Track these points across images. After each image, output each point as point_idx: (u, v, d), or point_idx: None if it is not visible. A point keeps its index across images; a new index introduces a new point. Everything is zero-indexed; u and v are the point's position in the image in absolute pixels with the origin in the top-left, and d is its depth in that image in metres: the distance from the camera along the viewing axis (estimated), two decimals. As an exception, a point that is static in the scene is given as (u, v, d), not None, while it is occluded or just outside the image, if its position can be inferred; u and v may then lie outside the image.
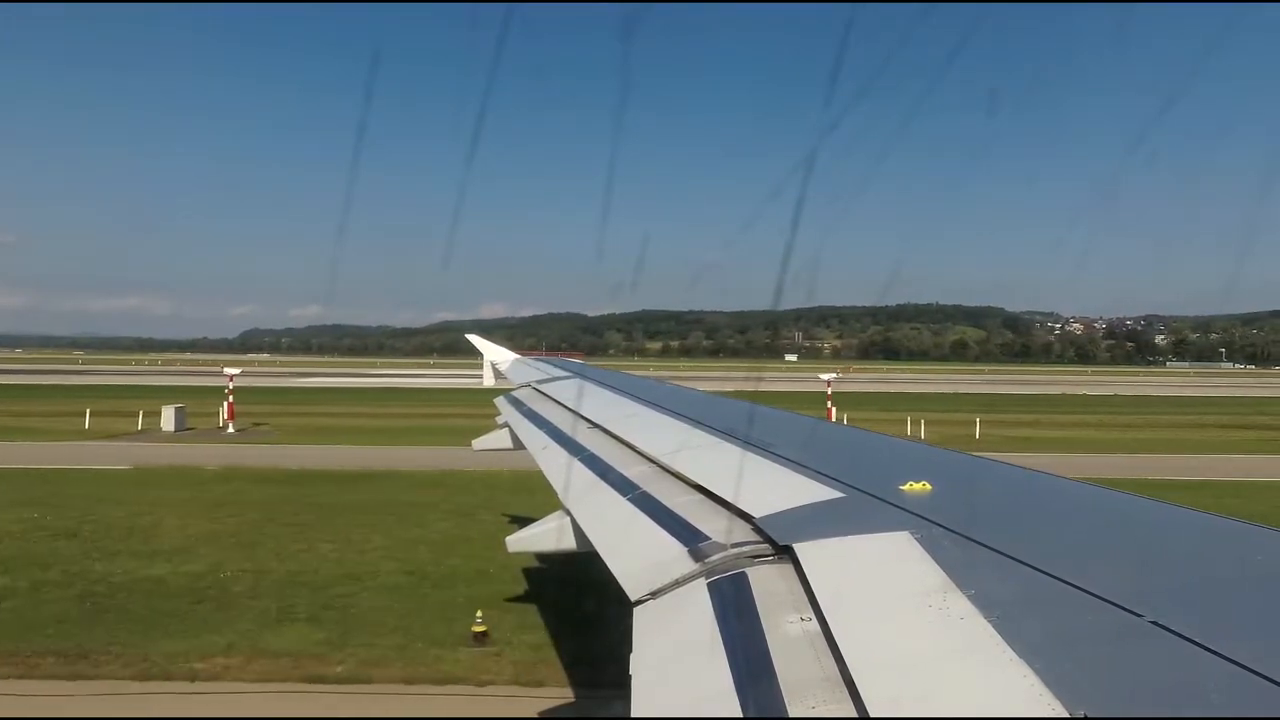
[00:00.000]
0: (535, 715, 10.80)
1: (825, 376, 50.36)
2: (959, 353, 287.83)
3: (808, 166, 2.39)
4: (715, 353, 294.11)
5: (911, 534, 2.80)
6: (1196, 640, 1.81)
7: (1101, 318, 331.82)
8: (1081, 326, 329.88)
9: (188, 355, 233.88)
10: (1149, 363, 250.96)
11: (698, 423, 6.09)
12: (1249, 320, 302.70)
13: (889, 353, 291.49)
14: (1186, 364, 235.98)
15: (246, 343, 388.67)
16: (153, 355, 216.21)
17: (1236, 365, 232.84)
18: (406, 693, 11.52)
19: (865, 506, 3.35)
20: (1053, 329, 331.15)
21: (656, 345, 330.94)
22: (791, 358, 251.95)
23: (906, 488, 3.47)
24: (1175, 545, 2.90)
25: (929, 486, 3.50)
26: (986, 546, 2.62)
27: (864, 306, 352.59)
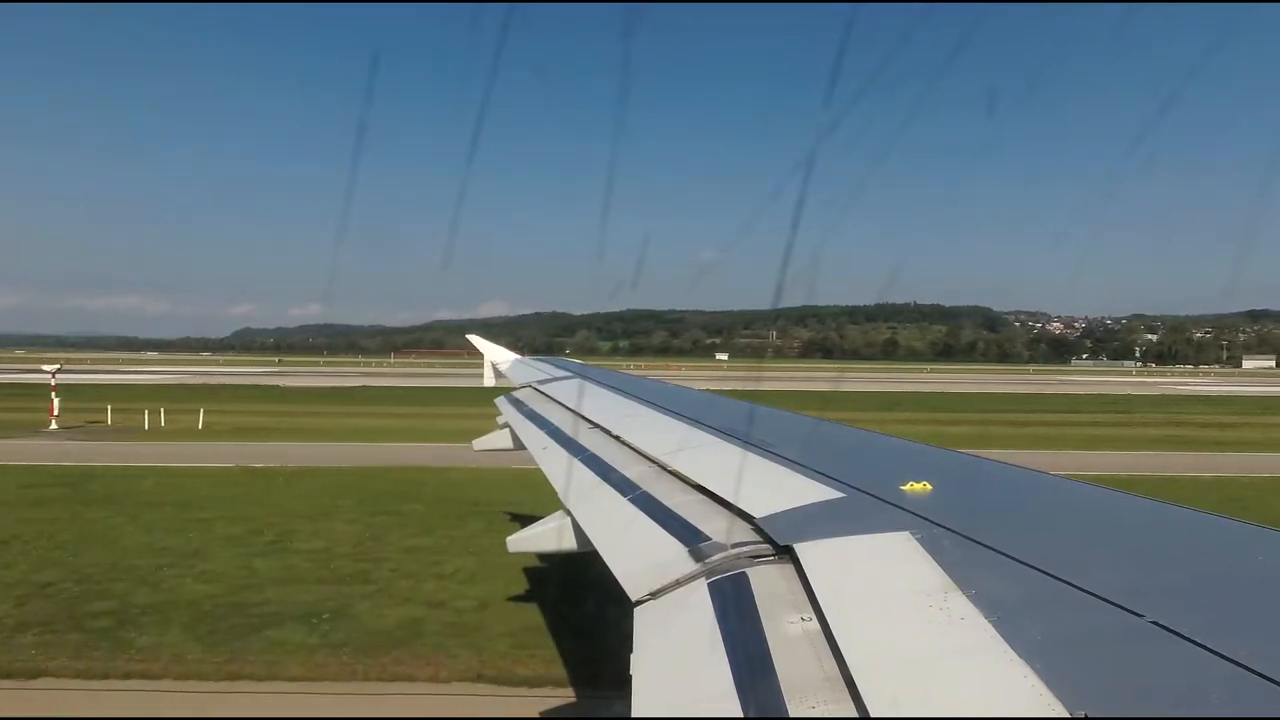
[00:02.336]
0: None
1: (47, 368, 49.40)
2: (889, 351, 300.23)
3: (808, 166, 2.39)
4: (664, 351, 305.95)
5: (912, 534, 2.81)
6: (1196, 640, 1.81)
7: (1085, 317, 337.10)
8: (1061, 326, 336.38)
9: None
10: (1062, 362, 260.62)
11: (698, 423, 6.09)
12: (1216, 320, 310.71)
13: (826, 351, 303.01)
14: (1090, 363, 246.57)
15: (237, 342, 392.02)
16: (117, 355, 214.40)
17: (1138, 364, 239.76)
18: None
19: (866, 506, 3.35)
20: (1033, 328, 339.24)
21: (607, 345, 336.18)
22: (722, 357, 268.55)
23: (907, 488, 3.47)
24: (1175, 545, 2.90)
25: (929, 486, 3.50)
26: (987, 546, 2.62)
27: (842, 306, 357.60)
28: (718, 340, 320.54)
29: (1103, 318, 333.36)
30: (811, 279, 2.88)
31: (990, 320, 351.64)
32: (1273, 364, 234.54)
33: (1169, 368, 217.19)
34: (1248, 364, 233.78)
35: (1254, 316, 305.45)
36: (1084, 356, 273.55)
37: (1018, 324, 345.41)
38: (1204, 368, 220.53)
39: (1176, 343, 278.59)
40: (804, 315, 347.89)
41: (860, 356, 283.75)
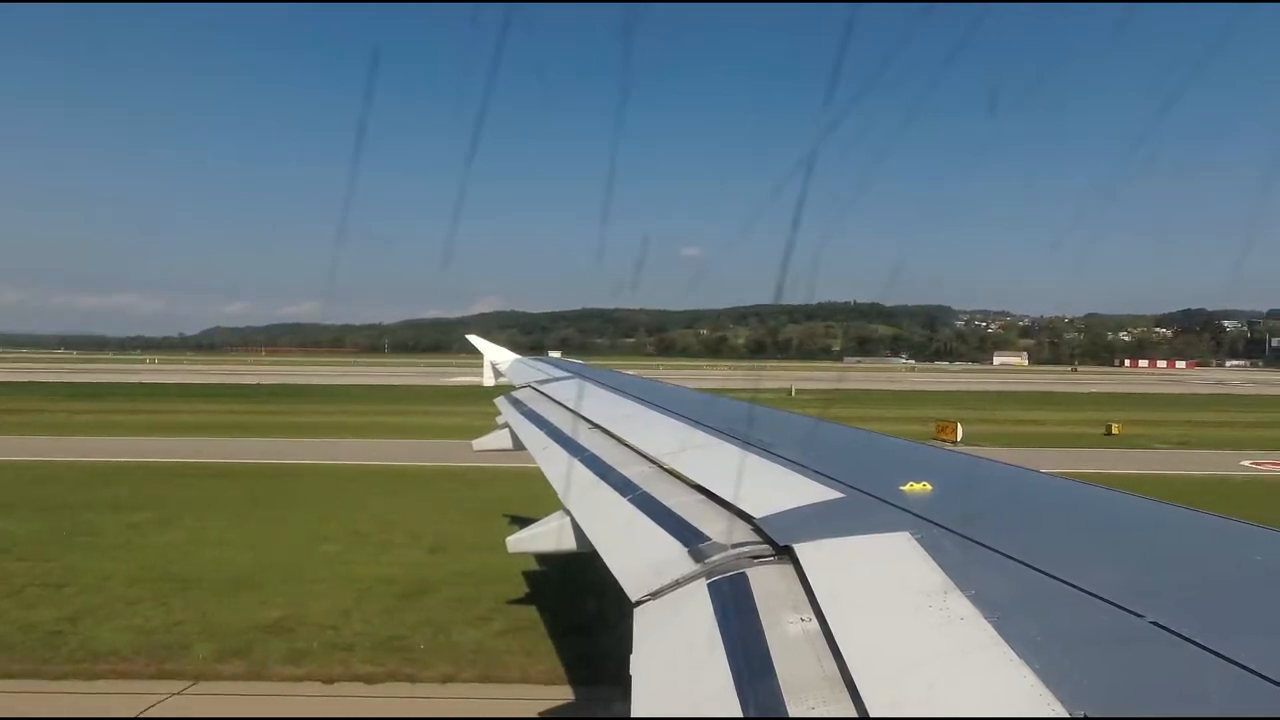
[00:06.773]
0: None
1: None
2: (714, 349, 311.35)
3: (808, 166, 2.38)
4: (535, 348, 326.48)
5: (911, 534, 2.80)
6: (1196, 640, 1.81)
7: (1038, 316, 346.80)
8: (1003, 326, 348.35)
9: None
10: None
11: (698, 423, 6.09)
12: (1166, 320, 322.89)
13: (665, 349, 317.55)
14: (869, 359, 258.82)
15: (205, 341, 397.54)
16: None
17: (907, 360, 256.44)
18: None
19: (865, 507, 3.34)
20: (977, 326, 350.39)
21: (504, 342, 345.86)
22: (555, 353, 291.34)
23: (906, 488, 3.46)
24: (1175, 545, 2.90)
25: (929, 487, 3.50)
26: (986, 546, 2.62)
27: (781, 305, 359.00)
28: (659, 338, 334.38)
29: (1049, 318, 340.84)
30: (811, 279, 2.88)
31: (931, 319, 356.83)
32: (1024, 360, 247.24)
33: (935, 364, 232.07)
34: (997, 360, 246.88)
35: (1188, 314, 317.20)
36: (887, 354, 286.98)
37: (961, 323, 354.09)
38: (958, 363, 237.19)
39: (964, 343, 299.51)
40: (744, 315, 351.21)
41: (689, 354, 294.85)
